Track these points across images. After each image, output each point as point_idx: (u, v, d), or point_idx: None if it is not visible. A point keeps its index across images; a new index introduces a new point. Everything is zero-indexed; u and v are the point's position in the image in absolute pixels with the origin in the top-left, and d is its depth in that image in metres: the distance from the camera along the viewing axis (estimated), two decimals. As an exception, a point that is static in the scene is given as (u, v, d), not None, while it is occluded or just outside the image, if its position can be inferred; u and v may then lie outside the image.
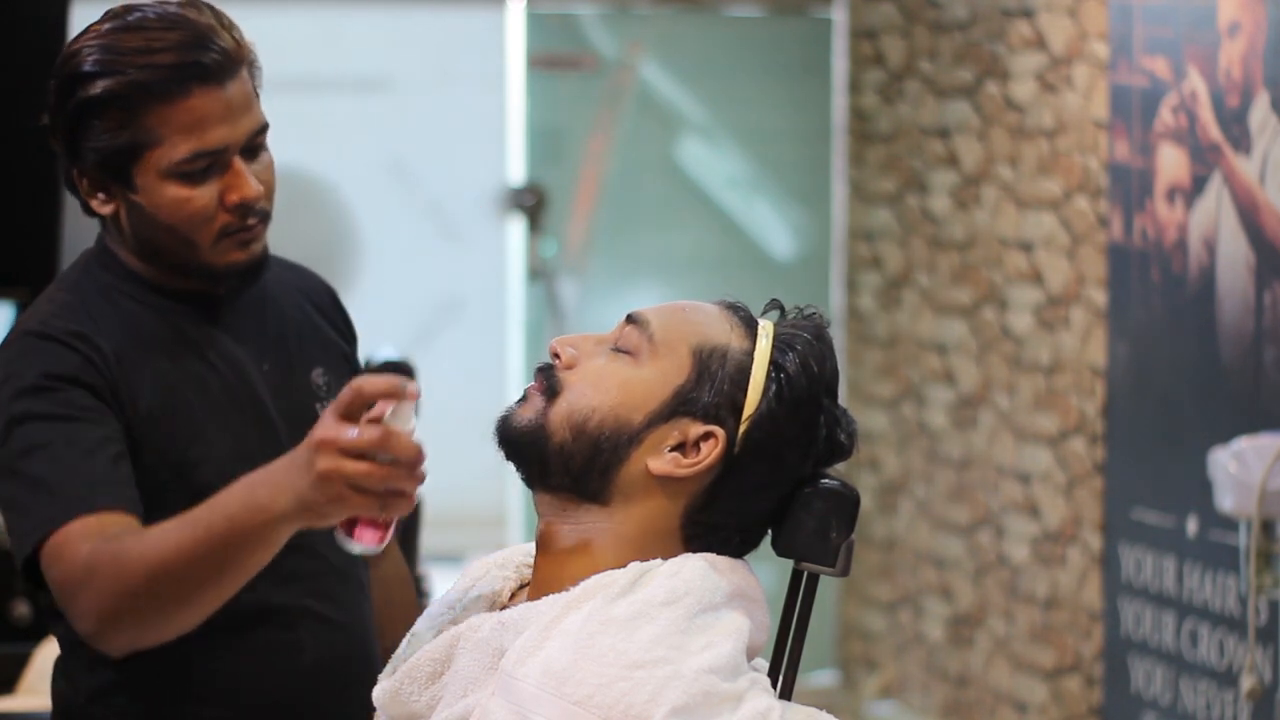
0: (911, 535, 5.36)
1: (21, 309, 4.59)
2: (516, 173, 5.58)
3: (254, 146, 2.20)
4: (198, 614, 2.01)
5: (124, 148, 2.16)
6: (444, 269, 5.56)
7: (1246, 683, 3.48)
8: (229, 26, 2.19)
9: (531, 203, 5.52)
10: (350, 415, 1.82)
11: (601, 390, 1.85)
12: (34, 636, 3.73)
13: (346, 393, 1.83)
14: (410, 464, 1.81)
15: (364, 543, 1.86)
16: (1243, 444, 3.42)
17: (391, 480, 1.81)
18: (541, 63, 5.60)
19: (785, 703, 1.80)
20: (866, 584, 5.59)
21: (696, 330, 1.88)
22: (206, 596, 1.99)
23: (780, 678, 1.94)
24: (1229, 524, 3.77)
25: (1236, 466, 3.38)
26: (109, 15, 2.20)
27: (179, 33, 2.15)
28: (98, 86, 2.15)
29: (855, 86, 5.65)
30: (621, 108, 5.68)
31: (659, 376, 1.86)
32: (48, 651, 3.37)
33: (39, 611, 4.36)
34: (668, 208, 5.73)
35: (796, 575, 1.95)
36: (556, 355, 1.89)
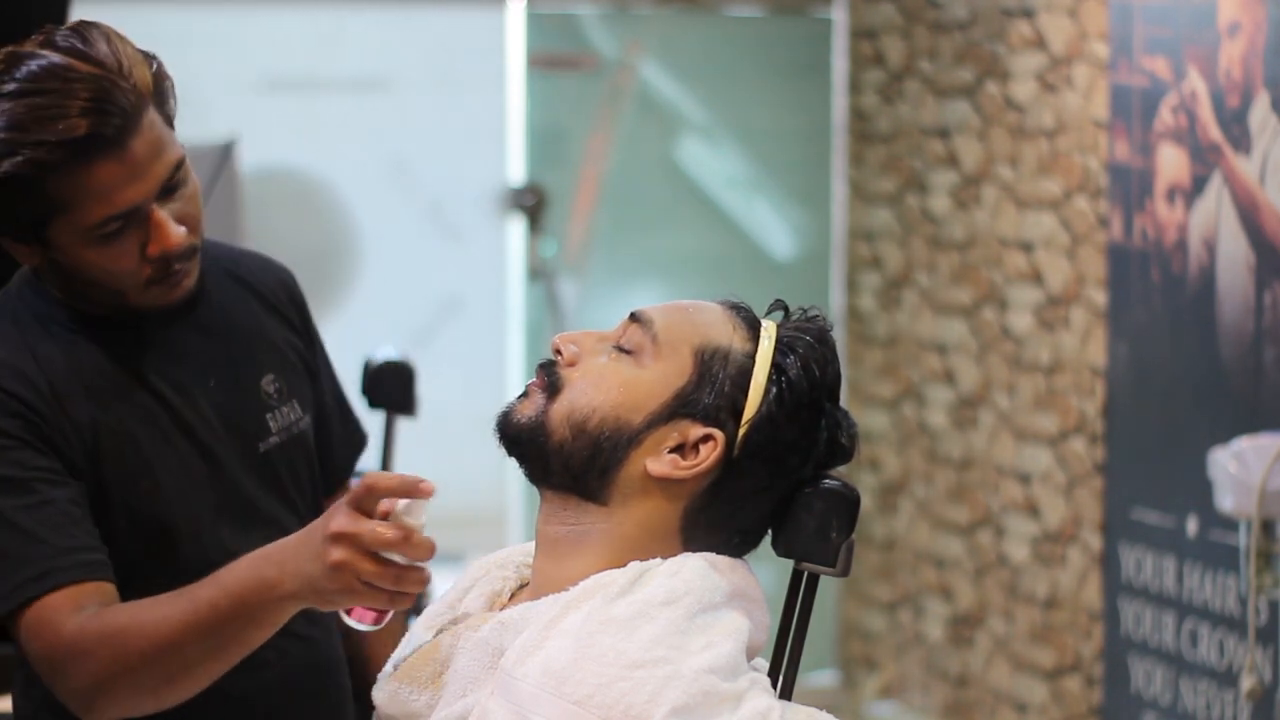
0: (911, 535, 5.36)
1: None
2: (516, 173, 5.58)
3: (172, 186, 2.09)
4: (193, 688, 2.00)
5: (32, 218, 2.06)
6: (444, 269, 5.56)
7: (1246, 683, 3.48)
8: (127, 67, 2.04)
9: (531, 203, 5.52)
10: (363, 508, 1.82)
11: (602, 389, 1.85)
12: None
13: (360, 488, 1.82)
14: (416, 555, 1.82)
15: (363, 623, 1.89)
16: (1243, 444, 3.42)
17: (402, 581, 1.82)
18: (541, 63, 5.60)
19: (785, 703, 1.80)
20: (866, 584, 5.59)
21: (699, 331, 1.87)
22: (205, 671, 1.98)
23: (780, 678, 1.94)
24: (1229, 524, 3.77)
25: (1236, 466, 3.38)
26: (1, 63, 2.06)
27: (74, 99, 2.01)
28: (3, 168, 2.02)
29: (855, 86, 5.65)
30: (621, 108, 5.68)
31: (660, 377, 1.85)
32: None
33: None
34: (668, 208, 5.73)
35: (796, 575, 1.94)
36: (559, 352, 1.88)
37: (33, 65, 2.04)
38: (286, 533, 2.11)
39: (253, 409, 2.26)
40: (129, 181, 2.04)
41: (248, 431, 2.25)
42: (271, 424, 2.28)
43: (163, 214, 2.08)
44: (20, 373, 2.11)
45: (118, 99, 2.01)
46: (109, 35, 2.07)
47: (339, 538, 1.81)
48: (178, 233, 2.08)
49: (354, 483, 2.30)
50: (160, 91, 2.08)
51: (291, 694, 2.25)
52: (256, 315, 2.31)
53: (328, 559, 1.82)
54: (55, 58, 2.03)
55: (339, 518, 1.82)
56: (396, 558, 1.82)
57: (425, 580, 1.83)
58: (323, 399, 2.41)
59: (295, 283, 2.40)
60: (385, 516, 1.82)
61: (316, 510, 2.31)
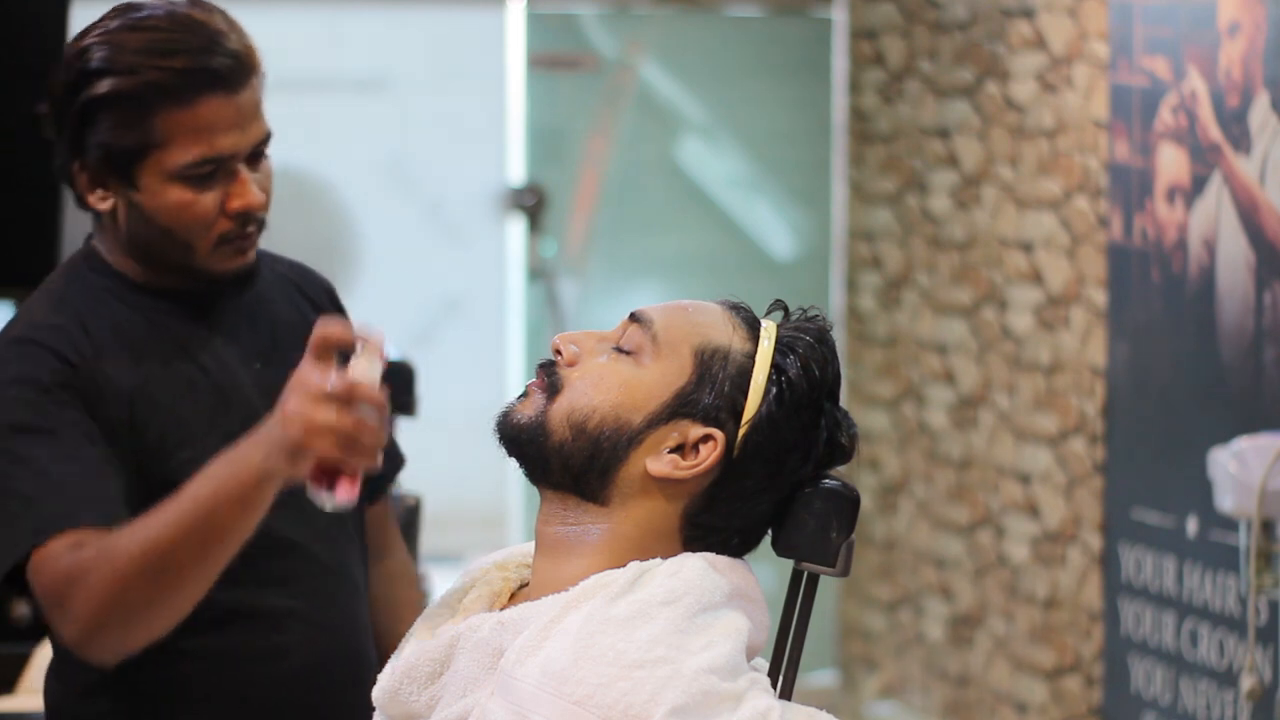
0: (911, 535, 5.36)
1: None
2: (516, 173, 5.58)
3: (257, 155, 2.19)
4: (186, 598, 2.00)
5: (130, 147, 2.14)
6: (444, 269, 5.56)
7: (1246, 683, 3.48)
8: (238, 31, 2.17)
9: (531, 203, 5.52)
10: (319, 359, 1.87)
11: (602, 390, 1.85)
12: (34, 636, 3.73)
13: (314, 338, 1.87)
14: (374, 413, 1.85)
15: (336, 496, 1.89)
16: (1243, 444, 3.42)
17: (358, 431, 1.84)
18: (541, 63, 5.60)
19: (785, 703, 1.80)
20: (866, 584, 5.59)
21: (699, 331, 1.87)
22: (197, 571, 1.99)
23: (780, 678, 1.94)
24: (1229, 524, 3.77)
25: (1236, 466, 3.38)
26: (116, 12, 2.17)
27: (191, 35, 2.13)
28: (108, 84, 2.12)
29: (855, 86, 5.65)
30: (621, 108, 5.68)
31: (660, 377, 1.85)
32: (47, 651, 3.37)
33: (39, 611, 4.36)
34: (668, 208, 5.73)
35: (796, 575, 1.94)
36: (558, 352, 1.89)
37: (156, 9, 2.15)
38: (322, 523, 2.20)
39: None
40: (230, 127, 2.14)
41: None
42: None
43: (247, 173, 2.17)
44: (65, 334, 2.15)
45: (233, 47, 2.14)
46: (223, 10, 2.20)
47: (292, 387, 1.87)
48: (259, 194, 2.17)
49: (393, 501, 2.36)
50: (261, 71, 2.19)
51: (313, 685, 2.25)
52: (303, 312, 2.36)
53: (283, 410, 1.86)
54: (177, 8, 2.16)
55: (296, 376, 1.87)
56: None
57: (375, 432, 1.85)
58: None
59: (337, 293, 2.47)
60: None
61: (356, 509, 2.34)
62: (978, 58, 4.98)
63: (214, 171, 2.15)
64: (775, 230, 5.82)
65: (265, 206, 2.20)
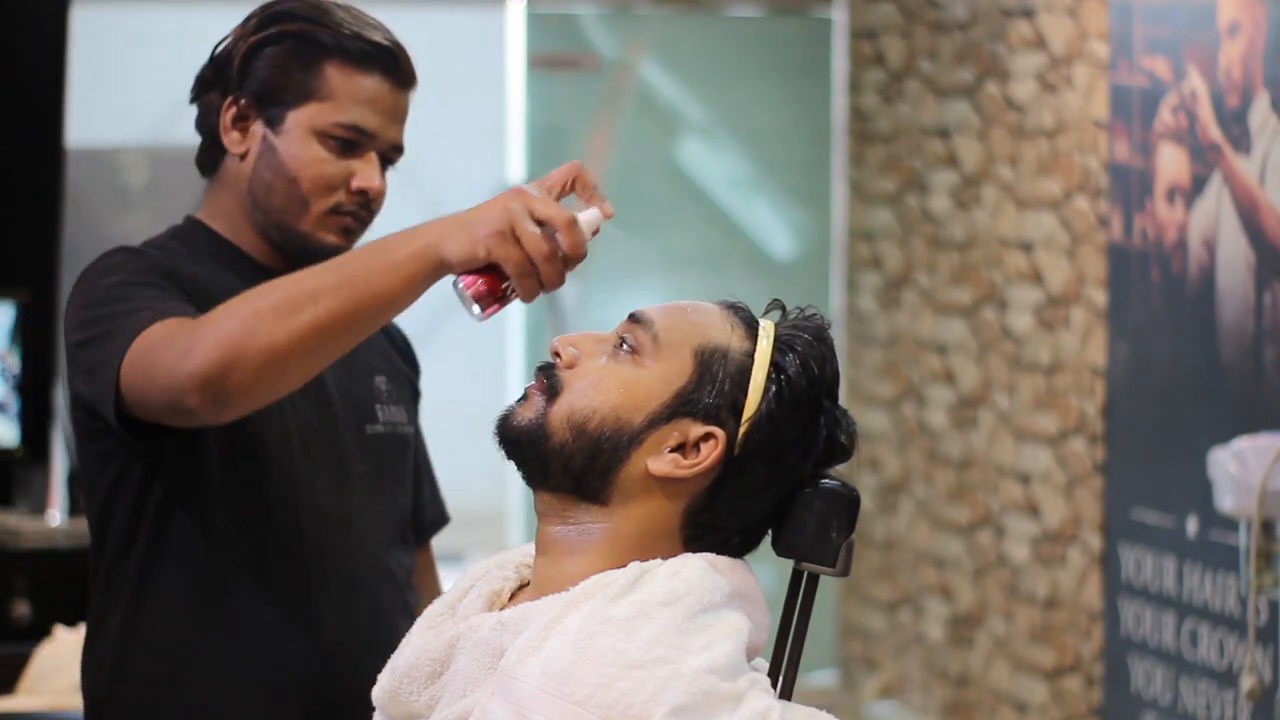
0: (911, 535, 5.37)
1: (21, 309, 4.59)
2: (516, 173, 5.58)
3: (389, 158, 2.32)
4: (318, 352, 1.98)
5: (294, 87, 2.25)
6: (444, 269, 5.55)
7: (1246, 683, 3.48)
8: (410, 56, 2.35)
9: (531, 203, 5.51)
10: (553, 191, 1.96)
11: (602, 390, 1.85)
12: (34, 636, 3.74)
13: (564, 171, 1.96)
14: (569, 257, 1.93)
15: (482, 310, 1.94)
16: (1243, 444, 3.42)
17: (548, 263, 1.91)
18: (541, 63, 5.60)
19: (785, 703, 1.80)
20: (866, 584, 5.59)
21: (699, 331, 1.88)
22: (333, 329, 1.96)
23: (780, 678, 1.94)
24: (1229, 524, 3.77)
25: (1236, 466, 3.38)
26: None
27: (383, 32, 2.32)
28: (299, 25, 2.26)
29: (855, 86, 5.65)
30: (621, 108, 5.69)
31: (660, 377, 1.86)
32: (48, 651, 3.37)
33: (39, 611, 4.36)
34: (668, 208, 5.73)
35: (796, 575, 1.94)
36: (557, 354, 1.89)
37: (353, 4, 2.34)
38: (378, 510, 2.29)
39: (364, 394, 2.36)
40: (383, 112, 2.29)
41: (359, 410, 2.34)
42: (380, 413, 2.38)
43: (377, 162, 2.29)
44: (172, 259, 2.23)
45: (408, 59, 2.34)
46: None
47: (516, 193, 1.92)
48: (381, 182, 2.30)
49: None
50: (413, 95, 2.35)
51: (346, 661, 2.27)
52: (379, 335, 2.43)
53: (494, 202, 1.92)
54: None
55: (525, 185, 1.95)
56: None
57: (560, 276, 1.93)
58: (419, 454, 2.50)
59: (409, 340, 2.56)
60: None
61: (404, 513, 2.40)
62: (978, 58, 4.98)
63: (354, 144, 2.26)
64: (775, 230, 5.82)
65: (380, 199, 2.31)
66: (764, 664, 1.92)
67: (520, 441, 1.86)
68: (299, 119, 2.25)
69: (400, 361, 2.48)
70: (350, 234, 2.30)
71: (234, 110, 2.27)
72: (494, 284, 1.95)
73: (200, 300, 2.16)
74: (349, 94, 2.26)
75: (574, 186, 1.99)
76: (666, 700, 1.70)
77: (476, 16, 5.60)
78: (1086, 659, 4.54)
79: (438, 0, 5.58)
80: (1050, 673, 4.70)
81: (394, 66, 2.30)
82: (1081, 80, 4.50)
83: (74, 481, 4.62)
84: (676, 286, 5.63)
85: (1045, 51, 4.66)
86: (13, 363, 4.63)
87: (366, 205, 2.29)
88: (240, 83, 2.26)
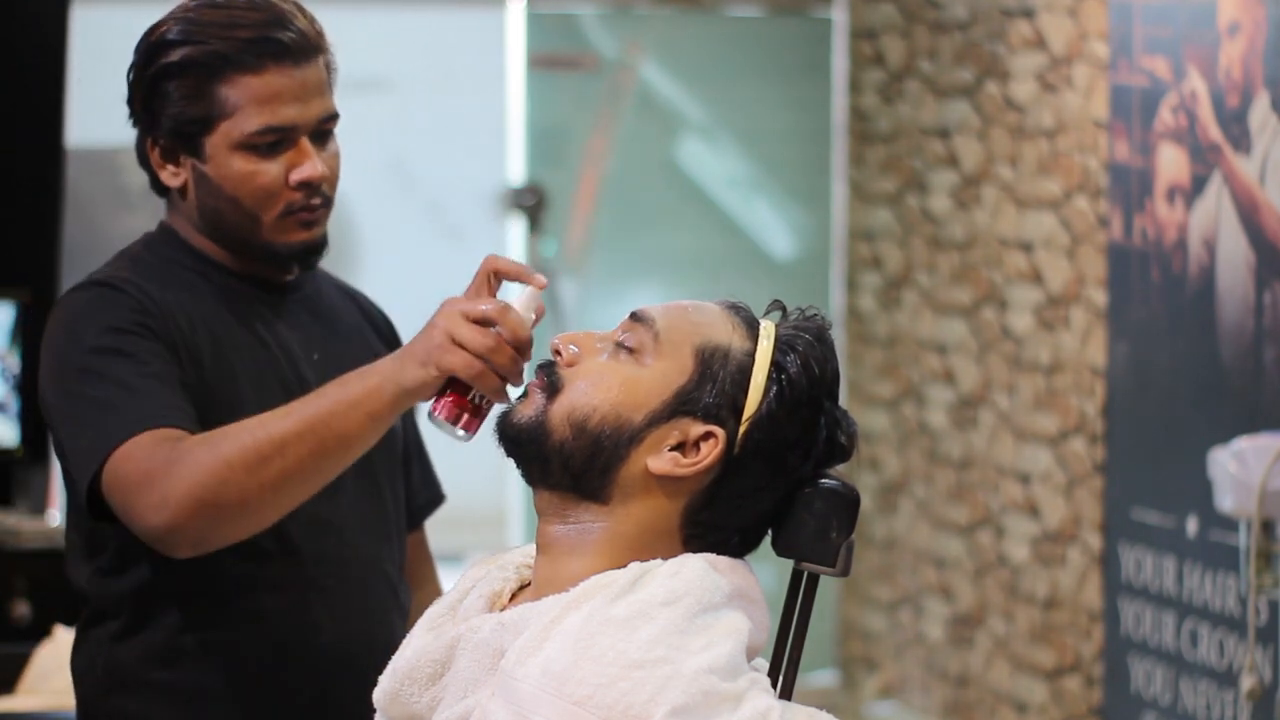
0: (911, 535, 5.37)
1: (22, 309, 4.59)
2: (516, 173, 5.58)
3: (323, 132, 2.28)
4: (286, 498, 2.03)
5: (198, 116, 2.22)
6: (444, 269, 5.55)
7: (1246, 683, 3.48)
8: (309, 16, 2.28)
9: (531, 203, 5.52)
10: (479, 291, 1.96)
11: (603, 388, 1.85)
12: (34, 636, 3.73)
13: (481, 269, 1.97)
14: (517, 346, 1.94)
15: (463, 429, 1.95)
16: (1243, 444, 3.42)
17: (495, 354, 1.93)
18: (541, 63, 5.60)
19: (785, 703, 1.80)
20: (866, 584, 5.59)
21: (700, 330, 1.88)
22: (302, 475, 2.01)
23: (780, 678, 1.94)
24: (1229, 524, 3.77)
25: (1236, 466, 3.38)
26: None
27: (260, 13, 2.24)
28: (178, 54, 2.22)
29: (855, 86, 5.65)
30: (621, 108, 5.69)
31: (661, 376, 1.86)
32: (48, 651, 3.37)
33: (39, 611, 4.36)
34: (668, 208, 5.73)
35: (796, 575, 1.94)
36: (558, 352, 1.89)
37: None
38: (368, 510, 2.29)
39: None
40: (294, 98, 2.23)
41: None
42: None
43: (311, 147, 2.26)
44: (143, 289, 2.22)
45: (298, 25, 2.25)
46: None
47: (446, 305, 1.95)
48: (322, 167, 2.26)
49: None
50: (330, 57, 2.29)
51: (344, 664, 2.28)
52: (361, 323, 2.44)
53: (430, 323, 1.95)
54: None
55: (455, 300, 1.95)
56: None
57: (513, 361, 1.94)
58: (409, 435, 2.50)
59: (394, 326, 2.54)
60: None
61: (398, 509, 2.40)
62: (978, 58, 4.98)
63: (278, 142, 2.23)
64: (775, 230, 5.82)
65: (330, 182, 2.29)
66: (764, 664, 1.92)
67: (520, 439, 1.86)
68: (217, 142, 2.23)
69: (381, 344, 2.47)
70: (312, 225, 2.29)
71: (157, 150, 2.27)
72: (460, 399, 1.99)
73: (179, 325, 2.20)
74: (251, 100, 2.22)
75: (499, 278, 2.01)
76: (667, 700, 1.70)
77: (476, 16, 5.60)
78: (1086, 659, 4.54)
79: (438, 0, 5.58)
80: (1050, 673, 4.70)
81: (283, 50, 2.23)
82: (1081, 80, 4.50)
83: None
84: (676, 287, 5.63)
85: (1045, 51, 4.66)
86: (13, 363, 4.63)
87: (317, 192, 2.28)
88: (151, 125, 2.26)
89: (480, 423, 1.97)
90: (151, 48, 2.24)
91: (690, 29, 5.73)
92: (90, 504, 2.12)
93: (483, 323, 1.94)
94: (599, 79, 5.66)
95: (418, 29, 5.52)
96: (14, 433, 4.64)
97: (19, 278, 4.65)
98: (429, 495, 2.55)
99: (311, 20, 2.28)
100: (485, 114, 5.57)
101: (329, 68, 2.29)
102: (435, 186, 5.52)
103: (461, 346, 1.93)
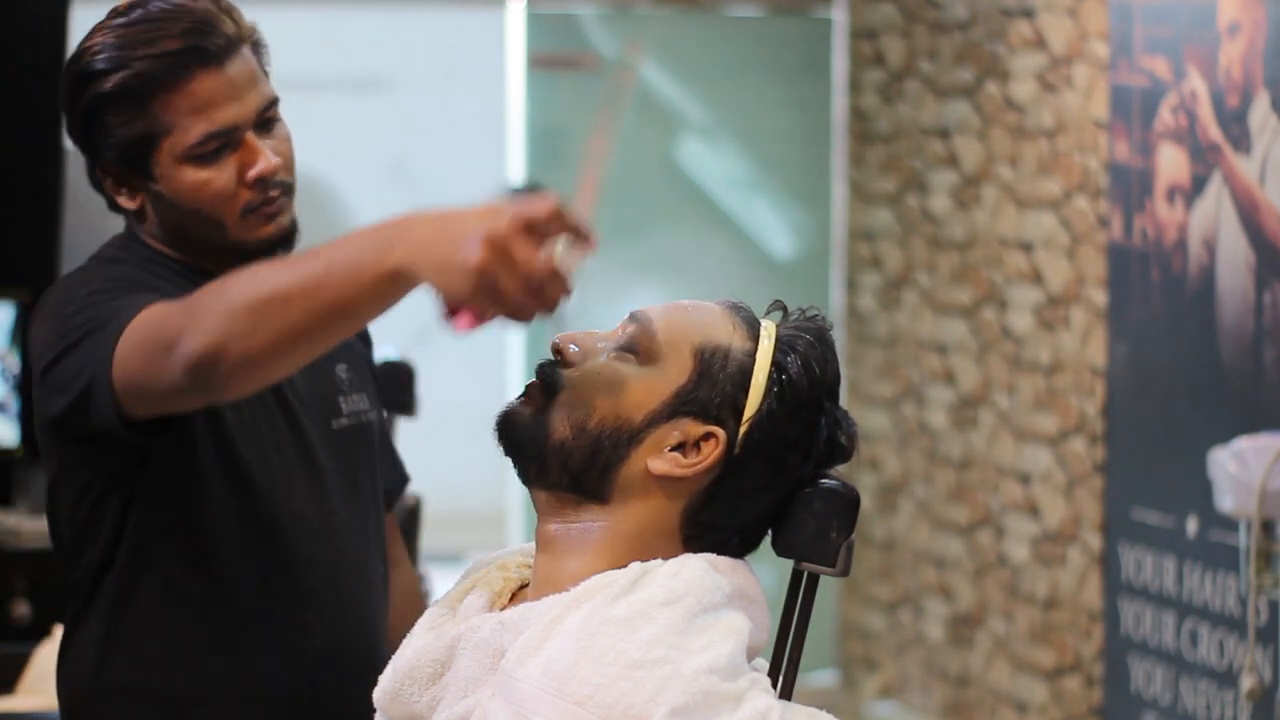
0: (911, 535, 5.37)
1: (22, 309, 4.59)
2: (516, 173, 5.58)
3: (267, 120, 2.24)
4: (297, 349, 1.93)
5: (138, 139, 2.20)
6: (444, 269, 5.56)
7: (1246, 683, 3.48)
8: (228, 10, 2.23)
9: (531, 203, 5.51)
10: (533, 229, 1.75)
11: (603, 388, 1.85)
12: (34, 636, 3.73)
13: (546, 210, 1.74)
14: (553, 298, 1.76)
15: (457, 323, 1.84)
16: (1243, 444, 3.42)
17: (526, 306, 1.76)
18: (541, 63, 5.60)
19: (785, 703, 1.80)
20: (866, 584, 5.59)
21: (699, 330, 1.88)
22: (306, 333, 1.91)
23: (780, 678, 1.94)
24: (1229, 524, 3.77)
25: (1236, 466, 3.38)
26: (113, 13, 2.24)
27: (179, 22, 2.19)
28: (107, 82, 2.19)
29: (855, 86, 5.65)
30: (621, 108, 5.69)
31: (661, 376, 1.86)
32: (48, 651, 3.37)
33: (39, 611, 4.36)
34: (668, 208, 5.73)
35: (796, 575, 1.94)
36: (558, 352, 1.89)
37: (148, 5, 2.22)
38: (353, 509, 2.27)
39: (328, 387, 2.35)
40: (227, 100, 2.19)
41: (324, 406, 2.33)
42: (343, 405, 2.36)
43: (257, 141, 2.22)
44: (126, 279, 2.21)
45: (218, 26, 2.20)
46: None
47: (494, 245, 1.74)
48: (272, 158, 2.21)
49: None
50: (258, 43, 2.25)
51: (335, 667, 2.27)
52: None
53: (470, 257, 1.75)
54: (169, 1, 2.22)
55: (504, 223, 1.75)
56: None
57: (550, 308, 1.76)
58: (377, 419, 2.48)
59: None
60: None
61: (377, 503, 2.38)
62: (978, 58, 4.98)
63: (222, 146, 2.20)
64: (775, 230, 5.82)
65: (285, 169, 2.24)
66: (764, 664, 1.92)
67: (520, 439, 1.86)
68: (163, 160, 2.20)
69: (359, 342, 2.44)
70: (276, 216, 2.25)
71: (109, 179, 2.25)
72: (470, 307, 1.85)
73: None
74: (185, 111, 2.18)
75: (562, 222, 1.78)
76: (667, 700, 1.70)
77: (476, 16, 5.60)
78: (1086, 659, 4.54)
79: (438, 0, 5.57)
80: (1050, 673, 4.70)
81: (203, 54, 2.18)
82: (1081, 80, 4.50)
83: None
84: (676, 287, 5.63)
85: (1045, 51, 4.66)
86: (13, 363, 4.63)
87: (272, 183, 2.23)
88: (97, 155, 2.24)
89: (473, 329, 1.85)
90: (79, 79, 2.21)
91: (690, 29, 5.73)
92: (86, 411, 2.10)
93: (527, 277, 1.76)
94: (599, 79, 5.66)
95: (418, 29, 5.52)
96: (14, 433, 4.64)
97: (19, 278, 4.64)
98: (396, 478, 2.53)
99: (231, 12, 2.24)
100: (485, 114, 5.57)
101: (260, 55, 2.25)
102: (435, 186, 5.52)
103: (499, 292, 1.75)
